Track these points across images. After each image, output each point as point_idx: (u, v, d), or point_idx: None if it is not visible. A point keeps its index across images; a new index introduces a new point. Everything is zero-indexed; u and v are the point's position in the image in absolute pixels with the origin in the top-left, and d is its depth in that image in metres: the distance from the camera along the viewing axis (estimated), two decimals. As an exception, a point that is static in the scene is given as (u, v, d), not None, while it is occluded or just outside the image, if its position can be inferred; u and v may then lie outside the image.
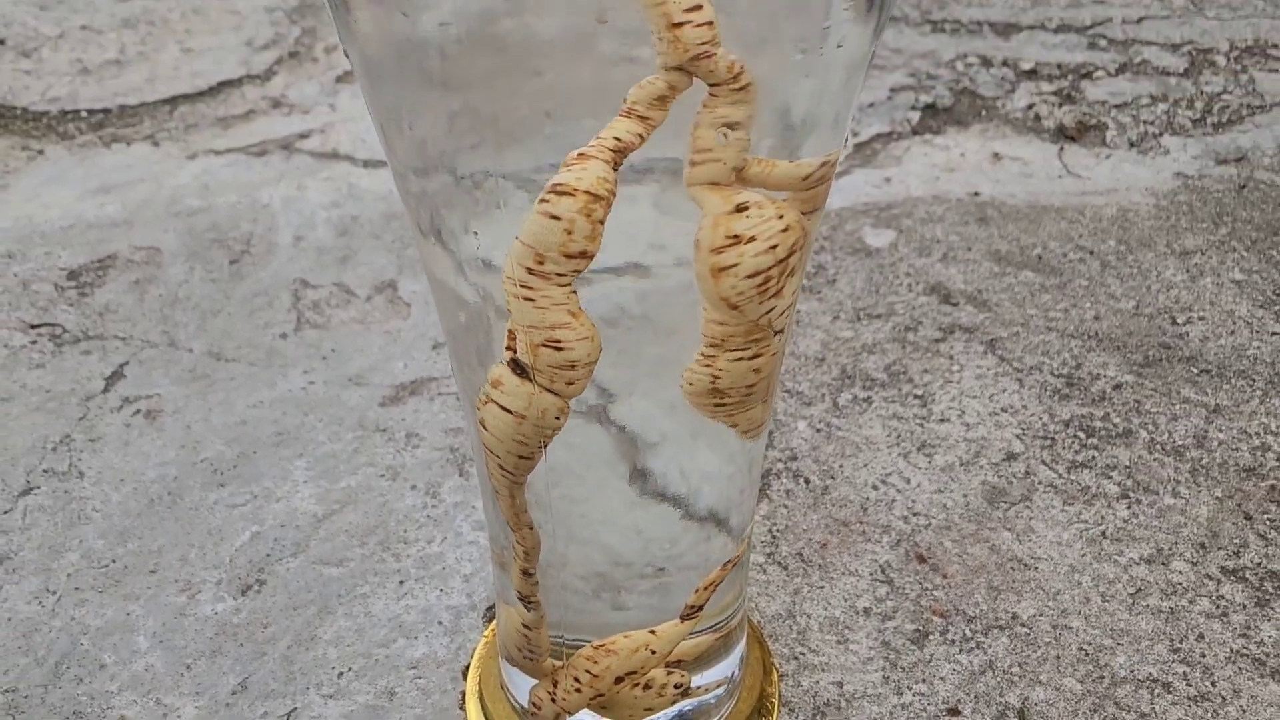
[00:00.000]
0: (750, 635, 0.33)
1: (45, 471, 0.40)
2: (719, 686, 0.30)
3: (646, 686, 0.28)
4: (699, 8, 0.18)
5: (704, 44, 0.18)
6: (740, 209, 0.19)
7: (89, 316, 0.47)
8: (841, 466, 0.40)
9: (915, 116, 0.61)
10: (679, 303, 0.22)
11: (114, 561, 0.36)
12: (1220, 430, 0.41)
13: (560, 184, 0.19)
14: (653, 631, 0.29)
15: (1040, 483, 0.39)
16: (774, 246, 0.20)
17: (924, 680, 0.32)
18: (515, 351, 0.21)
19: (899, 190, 0.55)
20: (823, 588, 0.35)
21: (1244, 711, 0.31)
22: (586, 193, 0.18)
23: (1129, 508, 0.38)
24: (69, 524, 0.37)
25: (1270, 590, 0.35)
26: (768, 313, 0.21)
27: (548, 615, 0.29)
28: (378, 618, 0.34)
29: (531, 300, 0.20)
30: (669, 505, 0.29)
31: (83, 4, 0.69)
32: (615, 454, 0.27)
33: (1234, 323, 0.46)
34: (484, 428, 0.23)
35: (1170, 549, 0.36)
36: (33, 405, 0.42)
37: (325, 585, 0.35)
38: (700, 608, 0.28)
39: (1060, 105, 0.61)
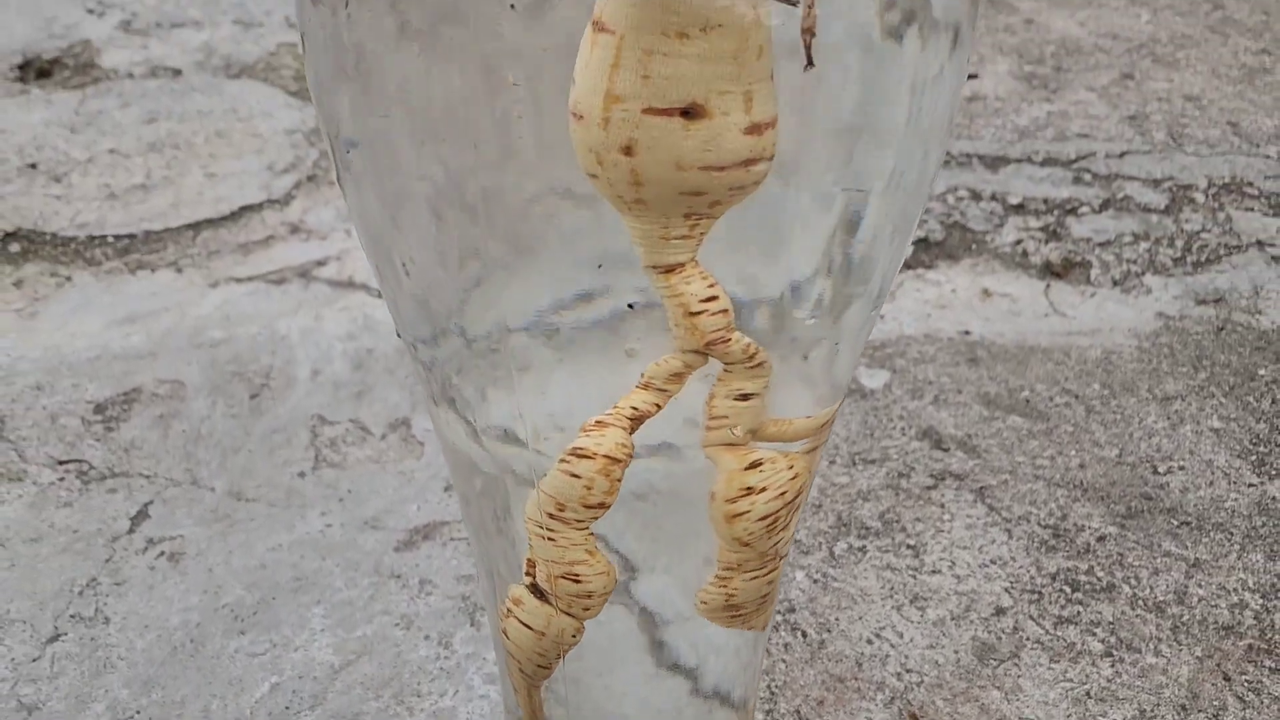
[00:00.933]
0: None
1: (73, 617, 0.41)
2: None
3: None
4: (714, 298, 0.20)
5: (719, 330, 0.20)
6: (754, 465, 0.21)
7: (115, 453, 0.49)
8: (837, 619, 0.41)
9: (909, 250, 0.63)
10: (705, 480, 0.24)
11: (139, 712, 0.37)
12: (1200, 586, 0.43)
13: (580, 448, 0.21)
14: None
15: (1028, 639, 0.41)
16: (783, 493, 0.22)
17: None
18: (535, 578, 0.23)
19: (892, 328, 0.57)
20: (819, 747, 0.36)
21: None
22: (605, 457, 0.21)
23: (1112, 666, 0.40)
24: (95, 673, 0.39)
25: (1247, 755, 0.36)
26: (775, 544, 0.23)
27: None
28: (392, 776, 0.35)
29: (552, 540, 0.22)
30: (680, 678, 0.30)
31: (110, 126, 0.72)
32: (637, 629, 0.29)
33: (1212, 473, 0.48)
34: (506, 637, 0.25)
35: (1152, 710, 0.38)
36: (60, 546, 0.44)
37: (342, 740, 0.36)
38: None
39: (1046, 242, 0.64)
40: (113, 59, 0.82)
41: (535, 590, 0.24)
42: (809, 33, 0.15)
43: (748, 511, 0.22)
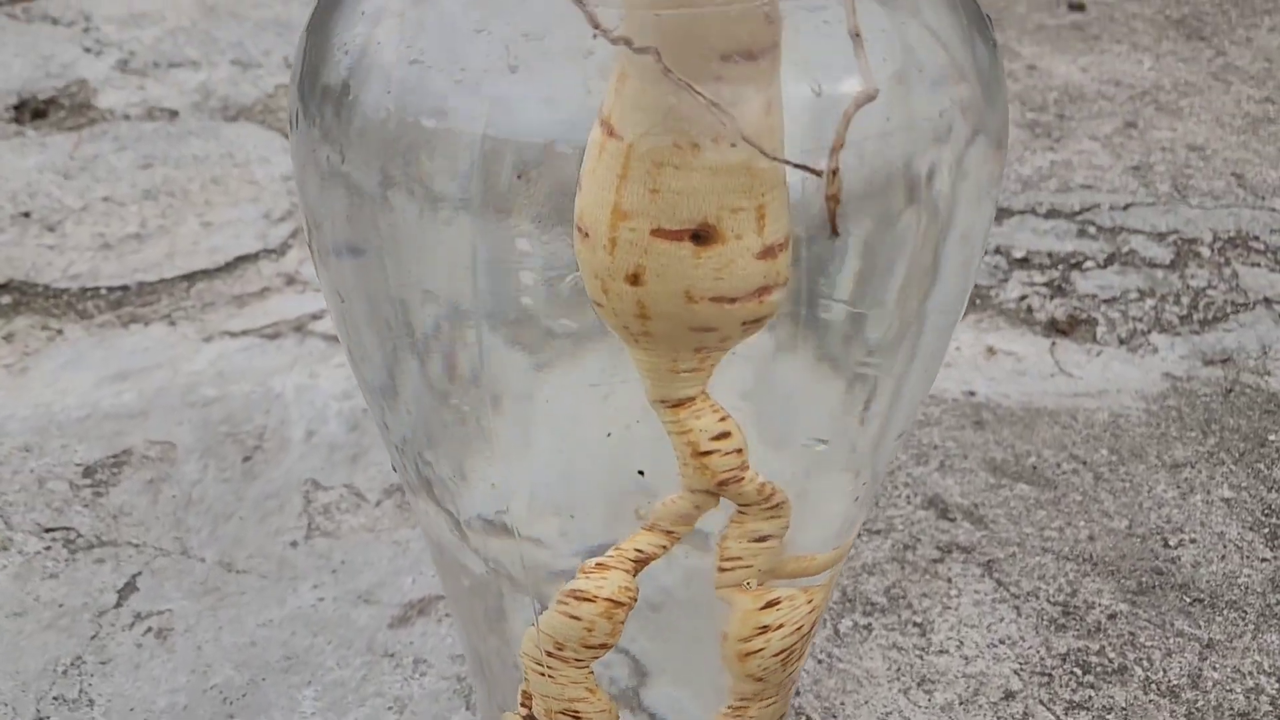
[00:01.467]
0: None
1: (56, 699, 0.40)
2: None
3: None
4: (727, 435, 0.19)
5: (732, 470, 0.19)
6: (771, 604, 0.20)
7: (103, 519, 0.48)
8: (843, 704, 0.40)
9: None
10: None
11: (122, 804, 0.36)
12: (1214, 668, 0.42)
13: (580, 590, 0.20)
14: None
15: (1038, 725, 0.40)
16: (799, 628, 0.21)
17: None
18: (530, 709, 0.22)
19: (897, 388, 0.56)
20: (825, 845, 0.35)
21: None
22: (608, 600, 0.20)
23: (1126, 756, 0.38)
24: (78, 760, 0.38)
25: None
26: (790, 674, 0.22)
27: None
28: None
29: (551, 678, 0.21)
30: None
31: (105, 172, 0.72)
32: None
33: (1224, 546, 0.47)
34: (504, 762, 0.24)
35: (1167, 805, 0.37)
36: (45, 622, 0.43)
37: (332, 836, 0.35)
38: None
39: (1051, 298, 0.63)
40: (109, 99, 0.82)
41: (532, 724, 0.23)
42: (834, 200, 0.14)
43: (762, 649, 0.21)
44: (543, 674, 0.21)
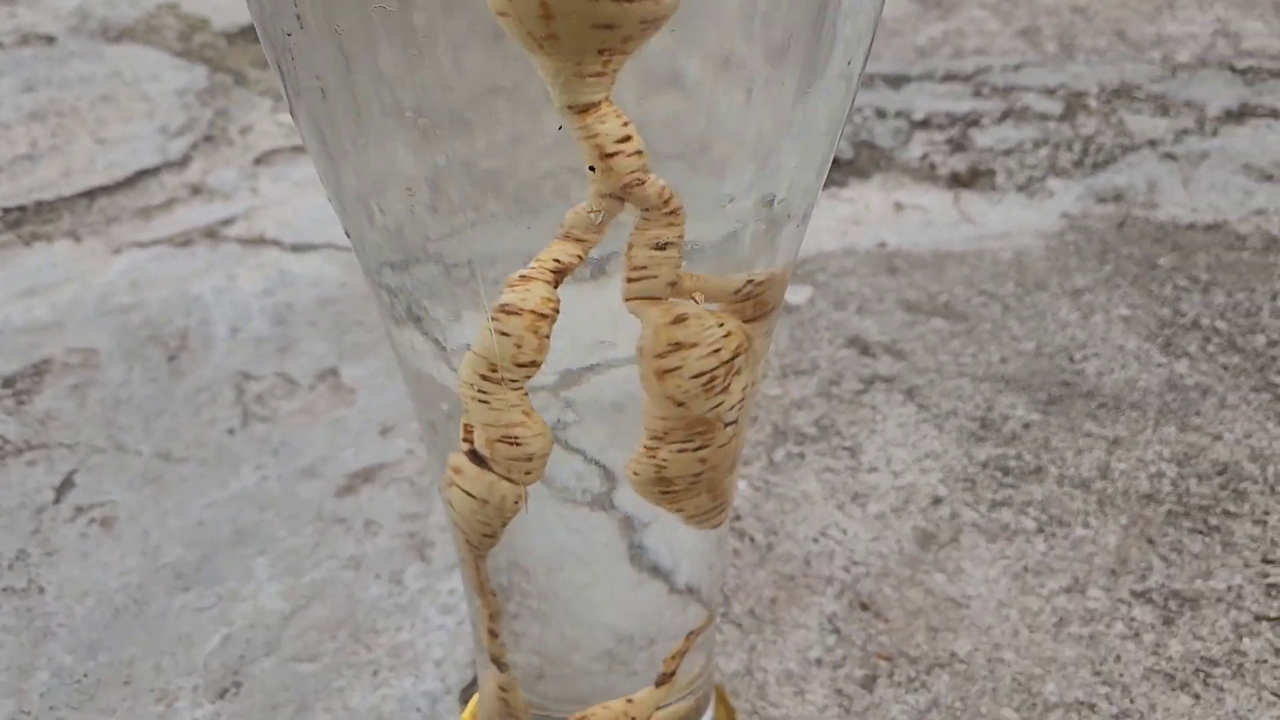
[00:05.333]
0: (716, 695, 0.35)
1: (4, 589, 0.40)
2: (693, 751, 0.32)
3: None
4: (628, 139, 0.20)
5: (634, 173, 0.20)
6: (679, 320, 0.21)
7: (29, 425, 0.47)
8: (783, 522, 0.42)
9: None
10: None
11: (86, 676, 0.36)
12: (1120, 461, 0.45)
13: (507, 304, 0.21)
14: (630, 699, 0.31)
15: (965, 524, 0.42)
16: (717, 350, 0.22)
17: (878, 724, 0.34)
18: (473, 443, 0.23)
19: (811, 245, 0.58)
20: (775, 642, 0.37)
21: (1162, 726, 0.34)
22: (532, 312, 0.20)
23: (1046, 541, 0.41)
24: (35, 642, 0.38)
25: (1174, 609, 0.38)
26: (715, 407, 0.23)
27: (565, 693, 0.30)
28: (356, 710, 0.35)
29: (487, 403, 0.22)
30: (659, 580, 0.31)
31: (-13, 97, 0.69)
32: (617, 537, 0.29)
33: (1124, 357, 0.50)
34: (451, 506, 0.25)
35: (1085, 577, 0.40)
36: (-18, 522, 0.42)
37: (301, 682, 0.36)
38: (672, 674, 0.30)
39: (952, 154, 0.65)
40: (-20, 30, 0.78)
41: (474, 456, 0.23)
42: None
43: (680, 367, 0.22)
44: (480, 401, 0.22)
